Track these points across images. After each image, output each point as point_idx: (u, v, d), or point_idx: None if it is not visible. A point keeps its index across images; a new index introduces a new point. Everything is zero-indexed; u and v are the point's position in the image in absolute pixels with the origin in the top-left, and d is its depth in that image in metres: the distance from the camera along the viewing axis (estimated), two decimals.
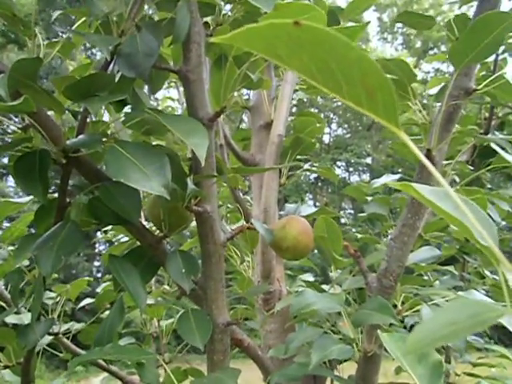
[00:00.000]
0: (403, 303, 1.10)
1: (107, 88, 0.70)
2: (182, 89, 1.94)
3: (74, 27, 0.81)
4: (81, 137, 0.74)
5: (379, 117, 0.27)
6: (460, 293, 1.07)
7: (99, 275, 12.60)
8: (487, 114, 1.77)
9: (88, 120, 0.81)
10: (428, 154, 0.94)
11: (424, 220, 0.99)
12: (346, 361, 1.14)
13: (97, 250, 12.67)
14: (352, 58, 0.25)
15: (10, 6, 0.67)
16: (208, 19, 1.01)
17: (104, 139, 0.74)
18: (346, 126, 20.76)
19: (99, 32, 0.77)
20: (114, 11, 0.71)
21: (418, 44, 19.40)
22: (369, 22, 0.79)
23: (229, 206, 1.90)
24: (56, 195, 0.85)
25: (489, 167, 1.24)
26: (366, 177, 19.05)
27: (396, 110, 0.27)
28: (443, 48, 18.04)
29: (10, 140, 0.78)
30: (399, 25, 18.31)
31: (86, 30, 0.83)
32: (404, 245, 0.97)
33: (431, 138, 0.94)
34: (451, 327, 0.26)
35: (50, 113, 0.77)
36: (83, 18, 0.82)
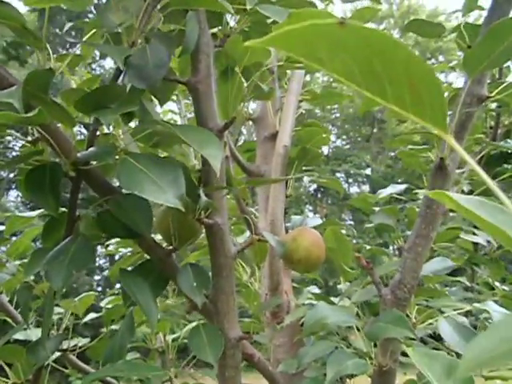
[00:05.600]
0: (416, 316, 1.08)
1: (118, 99, 0.69)
2: (183, 102, 1.93)
3: (84, 39, 0.80)
4: (92, 149, 0.73)
5: (425, 121, 0.26)
6: (476, 304, 1.05)
7: (99, 289, 12.52)
8: (493, 123, 1.76)
9: (97, 133, 0.80)
10: (441, 163, 0.93)
11: (437, 230, 0.97)
12: (356, 375, 1.12)
13: (97, 264, 12.61)
14: (399, 57, 0.24)
15: (19, 19, 0.66)
16: (215, 30, 1.01)
17: (115, 151, 0.73)
18: (345, 137, 20.80)
19: (109, 43, 0.76)
20: (124, 23, 0.70)
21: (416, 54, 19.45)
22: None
23: (233, 218, 1.89)
24: (64, 209, 0.84)
25: (503, 176, 1.23)
26: (365, 188, 19.04)
27: (445, 113, 0.25)
28: (441, 58, 18.14)
29: (19, 153, 0.77)
30: (397, 35, 18.43)
31: (96, 41, 0.82)
32: (418, 255, 0.95)
33: (444, 146, 0.93)
34: (509, 344, 0.24)
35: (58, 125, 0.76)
36: (93, 30, 0.81)
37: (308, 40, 0.25)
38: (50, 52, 0.70)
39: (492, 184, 0.28)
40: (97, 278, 12.86)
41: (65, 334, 1.09)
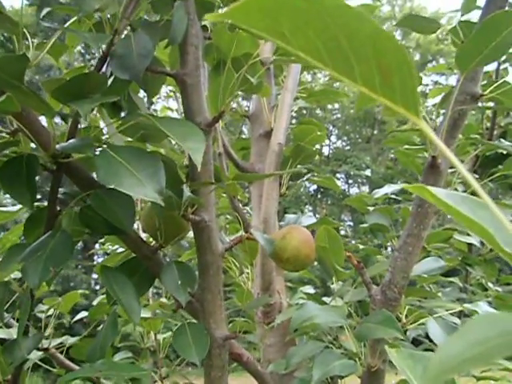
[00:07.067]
0: (407, 316, 1.06)
1: (99, 90, 0.67)
2: (180, 99, 1.90)
3: (65, 25, 0.78)
4: (71, 141, 0.71)
5: (396, 103, 0.24)
6: (466, 305, 1.03)
7: (97, 287, 12.48)
8: (489, 124, 1.74)
9: (81, 126, 0.78)
10: (433, 162, 0.91)
11: (429, 230, 0.95)
12: (347, 376, 1.10)
13: (95, 262, 12.57)
14: (366, 32, 0.21)
15: None
16: (206, 23, 0.99)
17: (96, 144, 0.71)
18: (345, 138, 20.79)
19: (91, 32, 0.74)
20: (105, 9, 0.67)
21: (417, 57, 19.48)
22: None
23: (228, 216, 1.87)
24: (47, 204, 0.82)
25: (494, 176, 1.21)
26: (365, 189, 19.03)
27: (416, 95, 0.23)
28: (442, 61, 18.12)
29: None
30: (398, 37, 18.40)
31: (78, 28, 0.80)
32: (408, 255, 0.93)
33: None
34: (479, 348, 0.22)
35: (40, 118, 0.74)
36: (75, 18, 0.79)
37: (268, 12, 0.23)
38: (29, 39, 0.68)
39: (469, 175, 0.26)
40: (95, 276, 12.82)
41: (53, 332, 1.07)
